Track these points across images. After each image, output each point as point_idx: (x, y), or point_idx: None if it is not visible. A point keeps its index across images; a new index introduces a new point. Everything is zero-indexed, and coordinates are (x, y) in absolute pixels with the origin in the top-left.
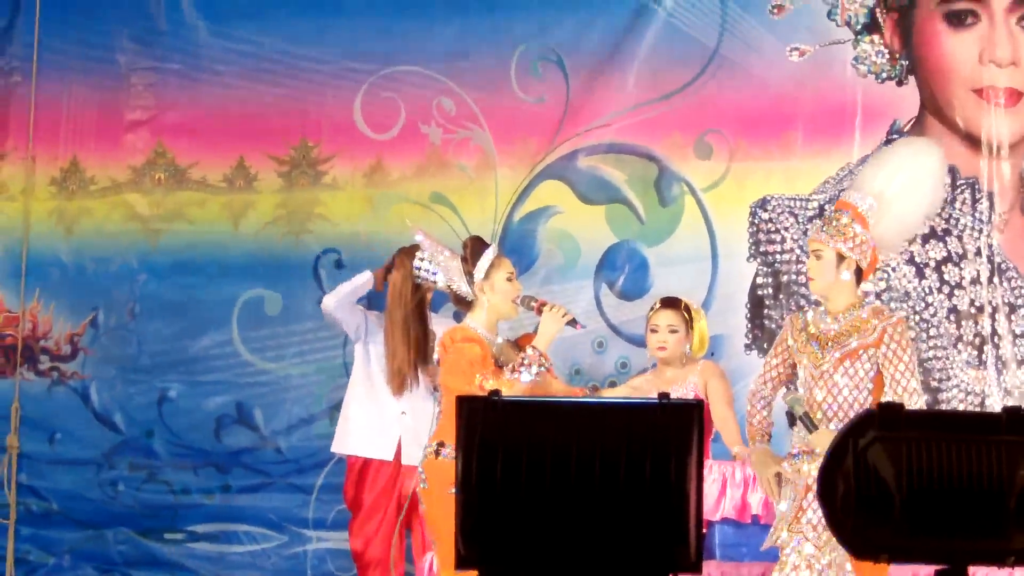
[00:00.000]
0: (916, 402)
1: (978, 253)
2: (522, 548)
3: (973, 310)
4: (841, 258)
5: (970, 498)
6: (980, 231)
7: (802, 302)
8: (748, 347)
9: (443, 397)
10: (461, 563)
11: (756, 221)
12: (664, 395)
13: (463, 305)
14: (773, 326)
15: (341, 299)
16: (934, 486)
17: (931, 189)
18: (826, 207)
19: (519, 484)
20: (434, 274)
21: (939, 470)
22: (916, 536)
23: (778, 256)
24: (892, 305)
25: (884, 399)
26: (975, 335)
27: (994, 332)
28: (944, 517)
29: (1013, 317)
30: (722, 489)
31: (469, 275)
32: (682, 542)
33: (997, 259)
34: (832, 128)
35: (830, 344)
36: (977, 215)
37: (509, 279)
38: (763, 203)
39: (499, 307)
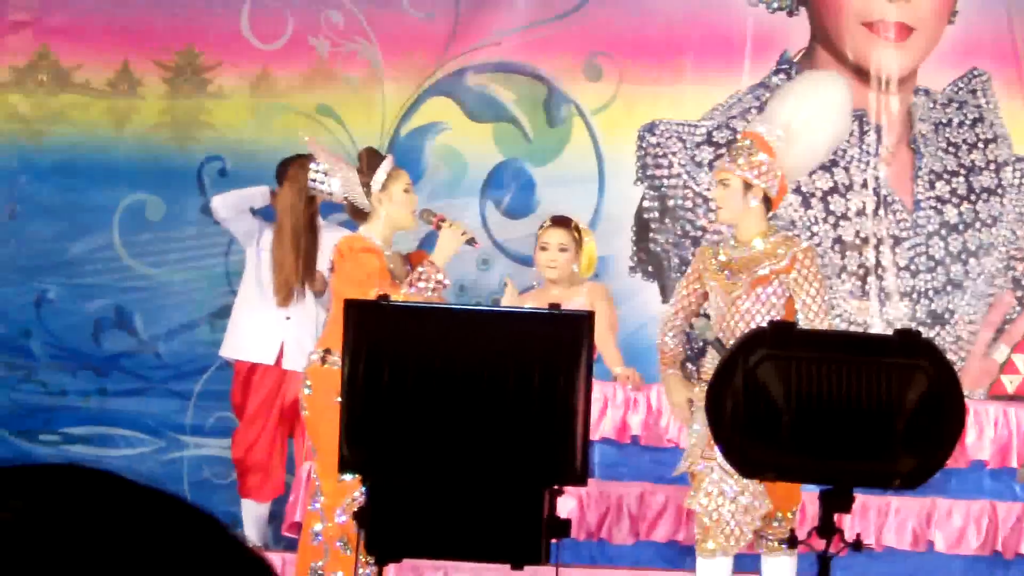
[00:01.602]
0: (827, 327)
1: (864, 185)
2: (406, 455)
3: (858, 241)
4: (748, 186)
5: (858, 419)
6: (867, 163)
7: (687, 227)
8: (632, 270)
9: (333, 304)
10: (344, 467)
11: (644, 145)
12: (555, 305)
13: (359, 216)
14: (658, 249)
15: (228, 202)
16: (823, 406)
17: (837, 120)
18: (714, 133)
19: (406, 390)
20: (330, 186)
21: (828, 390)
22: (802, 456)
23: (665, 180)
24: None
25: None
26: (859, 266)
27: (878, 263)
28: (831, 438)
29: (897, 249)
30: (603, 409)
31: (366, 186)
32: (568, 454)
33: (883, 191)
34: (722, 56)
35: (741, 271)
36: (864, 147)
37: (407, 190)
38: (651, 127)
39: (396, 218)
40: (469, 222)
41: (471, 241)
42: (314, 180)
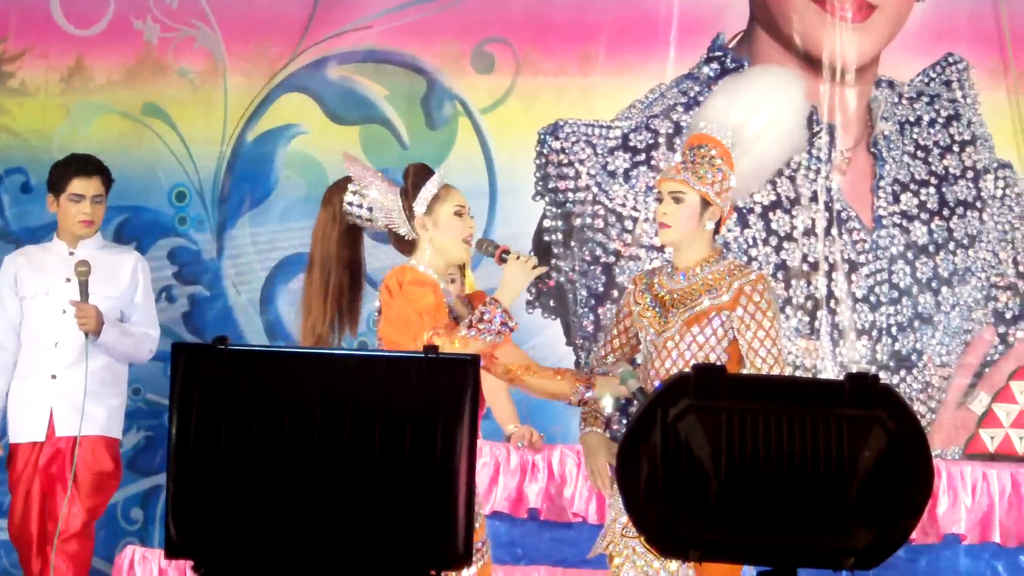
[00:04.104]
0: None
1: (814, 198)
2: (249, 535)
3: (806, 267)
4: (706, 204)
5: (802, 485)
6: (817, 171)
7: (598, 251)
8: (530, 304)
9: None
10: (172, 551)
11: (545, 151)
12: (431, 347)
13: (404, 247)
14: (562, 279)
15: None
16: (759, 469)
17: (794, 130)
18: (631, 136)
19: (248, 455)
20: (369, 210)
21: (766, 449)
22: (735, 530)
23: (571, 194)
24: None
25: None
26: (807, 298)
27: (830, 295)
28: (770, 507)
29: (853, 276)
30: (494, 476)
31: (409, 209)
32: (448, 531)
33: (837, 206)
34: (642, 42)
35: (676, 305)
36: (814, 152)
37: (458, 213)
38: (554, 129)
39: (446, 248)
40: None
41: (545, 276)
42: (350, 204)
